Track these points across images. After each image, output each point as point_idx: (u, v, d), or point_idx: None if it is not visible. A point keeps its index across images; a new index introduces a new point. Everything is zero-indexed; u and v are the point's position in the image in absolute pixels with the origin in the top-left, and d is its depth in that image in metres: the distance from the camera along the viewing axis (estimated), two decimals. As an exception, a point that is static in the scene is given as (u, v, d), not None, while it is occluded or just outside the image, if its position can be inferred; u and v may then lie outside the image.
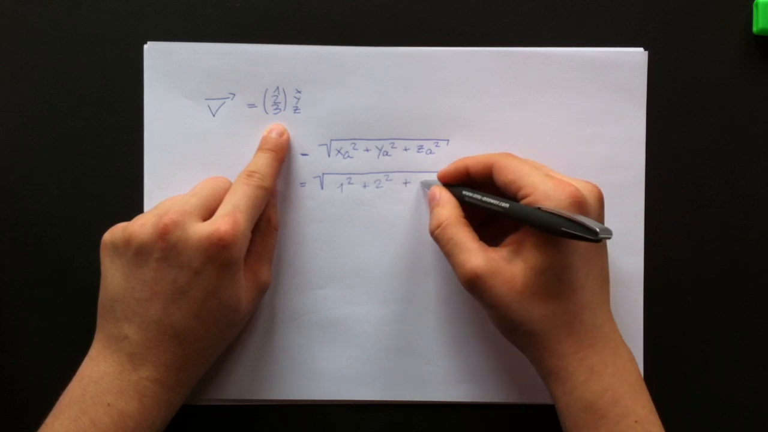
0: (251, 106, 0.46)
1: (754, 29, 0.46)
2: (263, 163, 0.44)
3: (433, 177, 0.45)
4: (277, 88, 0.46)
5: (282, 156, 0.45)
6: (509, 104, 0.46)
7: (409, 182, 0.46)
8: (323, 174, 0.46)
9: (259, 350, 0.46)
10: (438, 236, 0.42)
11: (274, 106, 0.46)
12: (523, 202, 0.39)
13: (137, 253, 0.40)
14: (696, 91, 0.46)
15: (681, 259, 0.46)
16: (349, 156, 0.46)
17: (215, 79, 0.46)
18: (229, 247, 0.39)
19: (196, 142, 0.46)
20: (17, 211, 0.46)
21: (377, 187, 0.46)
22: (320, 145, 0.46)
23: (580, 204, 0.38)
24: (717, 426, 0.46)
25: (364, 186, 0.46)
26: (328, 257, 0.46)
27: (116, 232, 0.41)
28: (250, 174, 0.43)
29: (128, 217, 0.42)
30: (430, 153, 0.46)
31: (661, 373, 0.46)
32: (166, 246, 0.39)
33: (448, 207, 0.42)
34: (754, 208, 0.46)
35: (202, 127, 0.46)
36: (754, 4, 0.46)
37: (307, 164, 0.46)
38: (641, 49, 0.46)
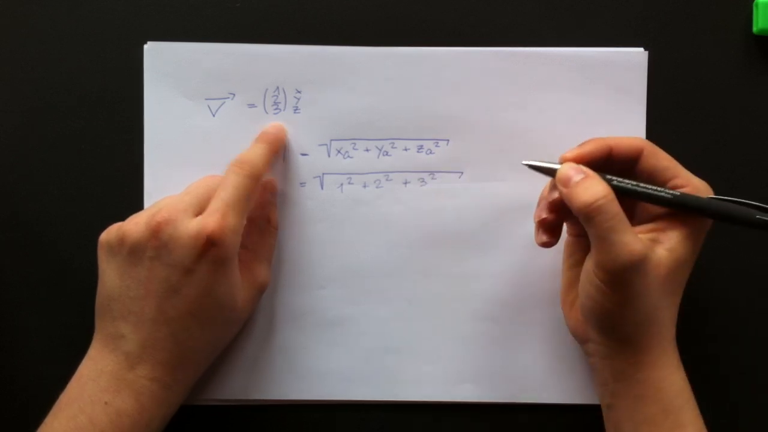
0: (251, 106, 0.46)
1: (754, 29, 0.46)
2: (256, 153, 0.43)
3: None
4: (277, 88, 0.46)
5: (276, 148, 0.44)
6: (509, 104, 0.46)
7: (409, 182, 0.46)
8: (323, 174, 0.46)
9: (258, 350, 0.46)
10: (599, 209, 0.37)
11: (274, 106, 0.46)
12: (684, 192, 0.39)
13: (131, 251, 0.40)
14: (696, 91, 0.46)
15: (681, 259, 0.46)
16: (349, 156, 0.46)
17: (215, 79, 0.46)
18: (219, 244, 0.39)
19: (196, 142, 0.46)
20: (17, 211, 0.46)
21: (377, 187, 0.46)
22: (320, 145, 0.46)
23: None
24: (717, 426, 0.46)
25: (364, 186, 0.46)
26: (328, 257, 0.46)
27: (111, 231, 0.41)
28: (240, 164, 0.42)
29: (128, 217, 0.42)
30: (430, 153, 0.46)
31: (661, 373, 0.46)
32: (158, 244, 0.39)
33: (601, 181, 0.38)
34: (754, 208, 0.46)
35: (202, 127, 0.46)
36: (754, 4, 0.46)
37: (307, 164, 0.46)
38: (641, 49, 0.46)
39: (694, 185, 0.40)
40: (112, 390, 0.39)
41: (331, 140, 0.46)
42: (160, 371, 0.39)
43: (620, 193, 0.39)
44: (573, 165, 0.39)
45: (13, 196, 0.46)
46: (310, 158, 0.46)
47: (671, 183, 0.40)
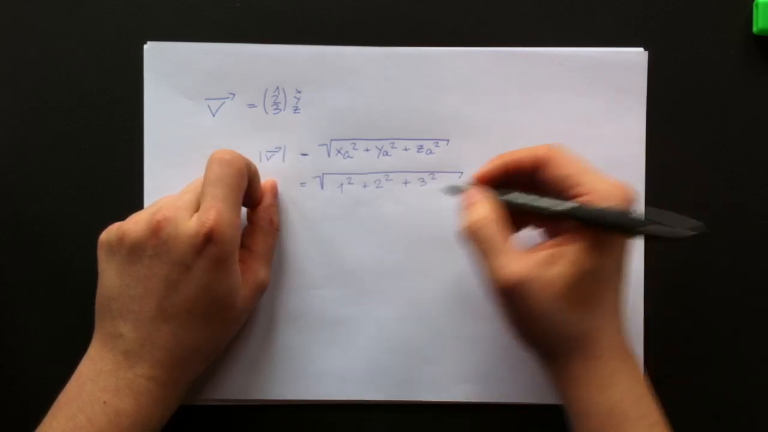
0: (251, 106, 0.46)
1: (754, 29, 0.46)
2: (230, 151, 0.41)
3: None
4: (277, 88, 0.46)
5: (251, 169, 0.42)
6: (509, 104, 0.46)
7: (409, 182, 0.46)
8: (323, 174, 0.46)
9: (258, 350, 0.46)
10: (475, 233, 0.39)
11: (274, 106, 0.46)
12: (579, 200, 0.38)
13: (131, 250, 0.40)
14: (696, 91, 0.46)
15: (681, 259, 0.46)
16: (349, 156, 0.46)
17: (215, 79, 0.46)
18: (218, 240, 0.39)
19: (196, 142, 0.46)
20: (17, 211, 0.46)
21: (377, 187, 0.46)
22: (320, 145, 0.46)
23: (631, 205, 0.38)
24: (718, 426, 0.46)
25: (364, 186, 0.46)
26: (328, 257, 0.46)
27: (111, 231, 0.41)
28: (219, 155, 0.40)
29: (127, 217, 0.42)
30: (430, 153, 0.46)
31: (662, 373, 0.46)
32: (158, 243, 0.39)
33: (489, 205, 0.39)
34: (754, 208, 0.46)
35: (202, 127, 0.46)
36: (754, 4, 0.46)
37: (307, 164, 0.46)
38: (641, 49, 0.46)
39: (599, 192, 0.38)
40: (110, 389, 0.39)
41: (331, 140, 0.46)
42: (159, 371, 0.39)
43: (514, 209, 0.40)
44: (473, 190, 0.40)
45: (13, 196, 0.46)
46: (310, 158, 0.46)
47: (572, 192, 0.38)
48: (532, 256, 0.38)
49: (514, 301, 0.38)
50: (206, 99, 0.46)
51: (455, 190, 0.42)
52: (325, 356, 0.46)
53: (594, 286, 0.38)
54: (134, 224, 0.40)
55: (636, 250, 0.45)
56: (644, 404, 0.39)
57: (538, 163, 0.40)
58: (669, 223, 0.34)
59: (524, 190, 0.40)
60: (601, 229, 0.37)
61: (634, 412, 0.38)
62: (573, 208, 0.38)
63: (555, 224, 0.41)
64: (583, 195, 0.38)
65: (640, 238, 0.36)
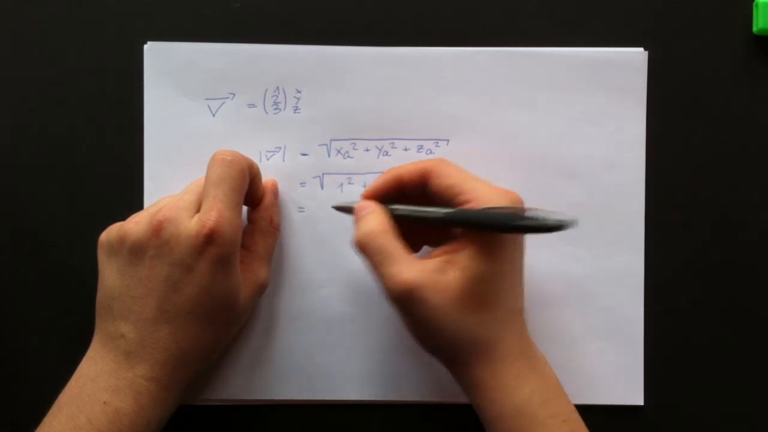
0: (251, 106, 0.46)
1: (754, 29, 0.46)
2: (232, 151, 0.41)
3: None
4: (277, 88, 0.46)
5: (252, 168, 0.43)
6: (509, 104, 0.46)
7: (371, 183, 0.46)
8: (323, 174, 0.46)
9: (258, 350, 0.46)
10: (366, 245, 0.39)
11: (274, 106, 0.46)
12: (464, 207, 0.39)
13: (132, 251, 0.40)
14: (696, 91, 0.46)
15: (681, 259, 0.46)
16: (349, 156, 0.46)
17: (215, 79, 0.46)
18: (219, 241, 0.39)
19: (196, 142, 0.46)
20: (17, 211, 0.46)
21: (377, 187, 0.46)
22: (320, 145, 0.46)
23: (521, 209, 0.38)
24: (717, 426, 0.46)
25: (364, 186, 0.46)
26: (328, 257, 0.46)
27: (112, 231, 0.41)
28: (221, 155, 0.40)
29: (128, 218, 0.42)
30: (430, 153, 0.46)
31: (662, 373, 0.46)
32: (159, 243, 0.39)
33: (378, 216, 0.40)
34: (754, 208, 0.46)
35: (202, 127, 0.46)
36: (754, 4, 0.46)
37: (307, 164, 0.46)
38: (641, 49, 0.46)
39: (481, 197, 0.38)
40: (110, 389, 0.39)
41: (331, 140, 0.46)
42: (159, 371, 0.39)
43: (400, 220, 0.40)
44: (363, 203, 0.41)
45: (13, 196, 0.46)
46: (310, 158, 0.46)
47: (458, 200, 0.39)
48: (424, 263, 0.39)
49: (409, 308, 0.38)
50: (206, 99, 0.46)
51: (343, 208, 0.43)
52: (325, 356, 0.46)
53: (487, 290, 0.38)
54: (135, 224, 0.40)
55: (636, 249, 0.46)
56: (553, 403, 0.39)
57: (424, 175, 0.41)
58: (543, 217, 0.34)
59: (418, 204, 0.41)
60: (479, 230, 0.38)
61: (544, 412, 0.38)
62: (448, 213, 0.38)
63: (447, 237, 0.41)
64: (468, 202, 0.39)
65: (515, 232, 0.36)
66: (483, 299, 0.38)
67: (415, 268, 0.38)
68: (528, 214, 0.36)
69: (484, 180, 0.40)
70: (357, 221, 0.41)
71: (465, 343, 0.39)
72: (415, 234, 0.42)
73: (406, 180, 0.41)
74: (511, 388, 0.38)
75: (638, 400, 0.46)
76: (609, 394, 0.46)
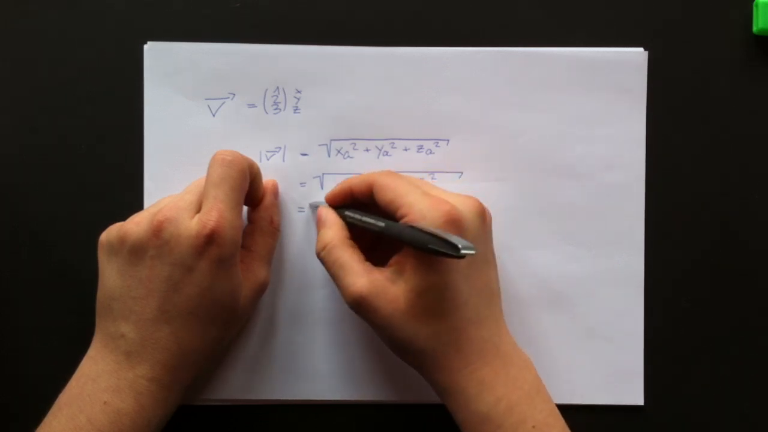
0: (251, 106, 0.46)
1: (754, 29, 0.46)
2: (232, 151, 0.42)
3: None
4: (277, 88, 0.46)
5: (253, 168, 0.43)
6: (509, 104, 0.46)
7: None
8: (323, 174, 0.46)
9: (259, 350, 0.46)
10: (323, 258, 0.41)
11: (274, 106, 0.46)
12: (402, 221, 0.39)
13: (132, 251, 0.40)
14: (696, 91, 0.46)
15: (681, 259, 0.46)
16: (349, 156, 0.46)
17: (215, 79, 0.46)
18: (220, 242, 0.39)
19: (196, 142, 0.46)
20: (17, 211, 0.46)
21: (377, 187, 0.46)
22: (320, 145, 0.46)
23: (455, 221, 0.38)
24: (717, 426, 0.46)
25: (364, 186, 0.46)
26: (328, 257, 0.46)
27: (112, 231, 0.41)
28: (221, 155, 0.40)
29: (128, 218, 0.42)
30: (430, 153, 0.46)
31: (662, 373, 0.46)
32: (160, 243, 0.39)
33: (333, 228, 0.42)
34: (754, 208, 0.46)
35: (202, 127, 0.46)
36: (754, 4, 0.46)
37: (307, 164, 0.46)
38: (641, 49, 0.46)
39: (417, 212, 0.38)
40: (111, 389, 0.39)
41: (331, 140, 0.46)
42: (159, 371, 0.39)
43: (355, 227, 0.42)
44: (322, 210, 0.43)
45: (13, 196, 0.46)
46: (310, 158, 0.46)
47: (398, 214, 0.39)
48: (376, 273, 0.39)
49: (364, 316, 0.40)
50: (206, 99, 0.46)
51: (313, 208, 0.45)
52: (325, 356, 0.46)
53: (435, 301, 0.38)
54: (135, 225, 0.40)
55: (636, 249, 0.46)
56: (523, 408, 0.38)
57: (369, 187, 0.42)
58: (454, 243, 0.35)
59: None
60: (407, 245, 0.38)
61: (511, 418, 0.38)
62: (382, 227, 0.40)
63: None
64: (405, 216, 0.39)
65: (428, 254, 0.37)
66: (434, 310, 0.38)
67: (366, 279, 0.39)
68: (442, 234, 0.36)
69: (429, 191, 0.40)
70: (318, 231, 0.43)
71: (424, 352, 0.39)
72: (387, 239, 0.42)
73: (356, 192, 0.43)
74: (474, 396, 0.38)
75: (638, 400, 0.46)
76: (609, 394, 0.46)
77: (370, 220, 0.41)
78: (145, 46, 0.46)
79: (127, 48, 0.46)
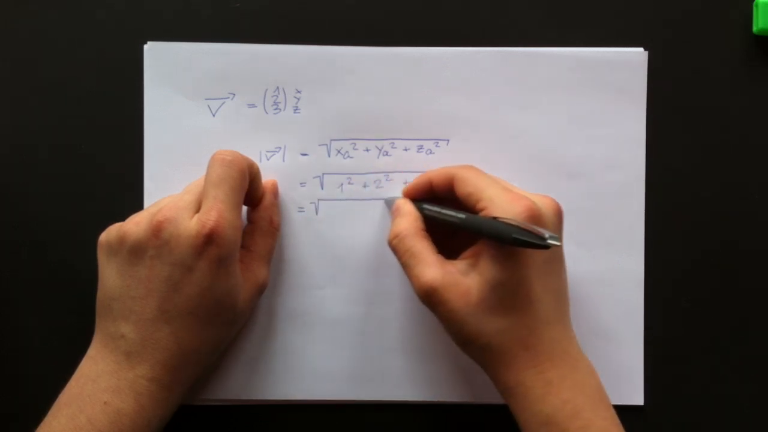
0: (251, 106, 0.46)
1: (754, 29, 0.46)
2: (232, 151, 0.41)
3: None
4: (277, 88, 0.46)
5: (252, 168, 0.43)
6: (509, 104, 0.46)
7: (409, 182, 0.46)
8: (323, 174, 0.46)
9: (258, 350, 0.46)
10: (396, 246, 0.41)
11: (274, 106, 0.46)
12: (481, 214, 0.39)
13: (132, 251, 0.40)
14: (696, 91, 0.46)
15: (681, 259, 0.46)
16: (349, 156, 0.46)
17: (215, 79, 0.46)
18: (219, 242, 0.39)
19: (196, 142, 0.46)
20: (17, 211, 0.46)
21: (377, 187, 0.46)
22: (320, 145, 0.46)
23: (534, 217, 0.38)
24: (717, 426, 0.46)
25: (364, 186, 0.46)
26: (328, 257, 0.46)
27: (111, 231, 0.41)
28: (221, 155, 0.40)
29: (128, 218, 0.42)
30: (430, 153, 0.46)
31: (661, 373, 0.46)
32: (159, 243, 0.39)
33: (408, 218, 0.42)
34: (753, 208, 0.46)
35: (202, 127, 0.46)
36: (754, 4, 0.46)
37: (307, 164, 0.46)
38: (641, 49, 0.46)
39: (497, 205, 0.38)
40: (111, 390, 0.39)
41: (331, 140, 0.46)
42: (159, 371, 0.39)
43: (432, 221, 0.42)
44: (399, 202, 0.43)
45: (13, 196, 0.46)
46: (310, 158, 0.46)
47: (477, 207, 0.39)
48: (449, 265, 0.39)
49: (433, 308, 0.39)
50: (206, 99, 0.46)
51: (389, 202, 0.45)
52: (325, 356, 0.46)
53: (509, 296, 0.38)
54: (135, 225, 0.40)
55: (636, 249, 0.46)
56: (587, 414, 0.38)
57: (449, 180, 0.42)
58: (540, 234, 0.36)
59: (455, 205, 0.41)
60: (487, 237, 0.38)
61: (574, 423, 0.37)
62: (462, 219, 0.40)
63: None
64: (484, 209, 0.39)
65: (512, 245, 0.37)
66: (506, 305, 0.38)
67: (438, 270, 0.39)
68: (528, 226, 0.36)
69: (508, 186, 0.40)
70: (392, 221, 0.43)
71: (490, 347, 0.38)
72: (460, 234, 0.42)
73: (435, 184, 0.43)
74: (539, 396, 0.38)
75: (638, 400, 0.46)
76: (609, 394, 0.46)
77: (449, 212, 0.41)
78: (145, 46, 0.46)
79: (127, 48, 0.46)
